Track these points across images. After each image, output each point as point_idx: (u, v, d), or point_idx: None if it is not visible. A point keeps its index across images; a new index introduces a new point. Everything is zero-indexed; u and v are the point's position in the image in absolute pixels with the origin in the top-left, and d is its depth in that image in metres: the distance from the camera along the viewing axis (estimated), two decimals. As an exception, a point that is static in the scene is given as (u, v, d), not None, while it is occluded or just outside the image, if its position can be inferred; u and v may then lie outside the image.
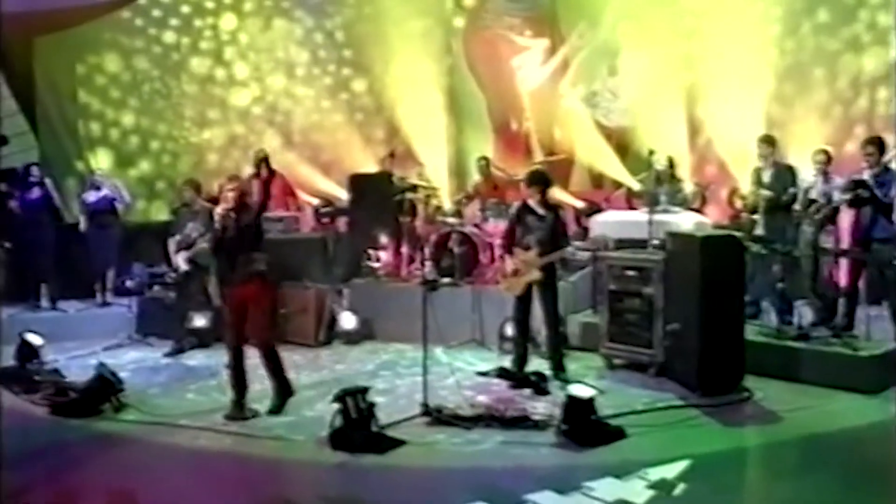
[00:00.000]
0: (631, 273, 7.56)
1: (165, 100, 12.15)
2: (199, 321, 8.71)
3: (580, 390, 6.03)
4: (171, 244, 8.52)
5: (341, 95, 12.64)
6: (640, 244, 7.92)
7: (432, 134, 11.48)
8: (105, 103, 11.88)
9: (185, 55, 12.25)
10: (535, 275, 7.13)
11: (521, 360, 7.38)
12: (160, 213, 11.67)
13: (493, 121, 12.19)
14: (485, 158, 10.32)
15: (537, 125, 11.66)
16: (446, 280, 7.46)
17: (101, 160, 11.55)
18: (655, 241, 7.66)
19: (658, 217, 8.09)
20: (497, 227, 8.82)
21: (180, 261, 8.37)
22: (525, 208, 7.25)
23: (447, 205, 10.40)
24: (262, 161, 9.60)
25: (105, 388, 6.65)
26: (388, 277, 9.33)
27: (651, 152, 8.45)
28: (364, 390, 5.93)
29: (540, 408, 6.49)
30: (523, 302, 7.28)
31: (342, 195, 10.96)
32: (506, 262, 7.25)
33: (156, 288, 9.23)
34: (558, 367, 7.25)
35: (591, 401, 5.95)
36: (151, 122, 12.09)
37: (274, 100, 12.49)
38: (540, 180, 7.27)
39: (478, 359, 7.77)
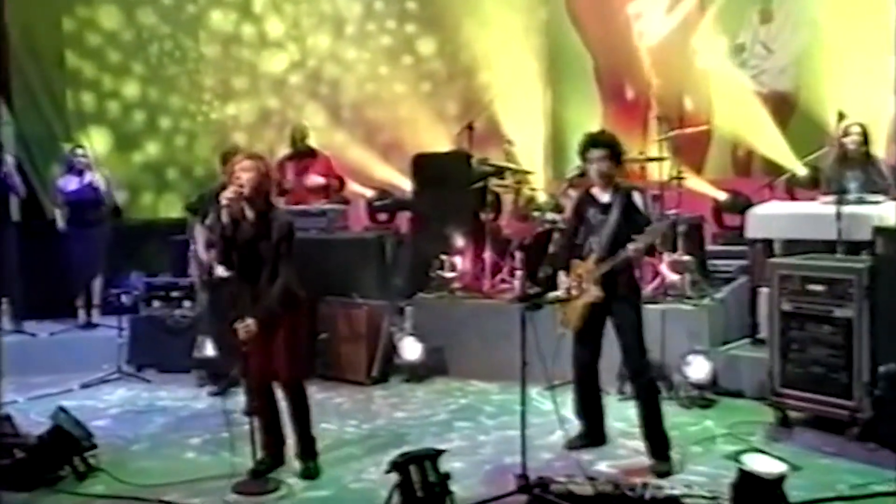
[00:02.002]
0: (816, 288, 6.42)
1: (179, 65, 11.94)
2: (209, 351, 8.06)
3: (762, 464, 5.02)
4: (199, 233, 7.66)
5: (403, 59, 12.33)
6: (823, 247, 6.95)
7: (523, 105, 10.91)
8: (101, 69, 11.59)
9: (204, 8, 12.10)
10: (592, 292, 5.80)
11: (589, 428, 6.30)
12: (171, 210, 11.40)
13: (602, 87, 11.56)
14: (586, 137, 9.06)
15: (661, 91, 10.72)
16: (554, 295, 6.08)
17: (96, 141, 11.22)
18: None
19: (849, 209, 6.93)
20: None
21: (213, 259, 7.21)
22: (586, 198, 6.01)
23: (541, 196, 9.53)
24: (302, 139, 9.26)
25: (64, 445, 5.77)
26: (466, 292, 8.60)
27: (841, 116, 7.57)
28: (435, 455, 5.14)
29: (694, 484, 5.44)
30: (587, 340, 6.03)
31: (404, 185, 10.63)
32: (559, 280, 6.04)
33: (155, 304, 8.69)
34: (656, 441, 5.87)
35: (779, 481, 4.90)
36: (161, 94, 11.87)
37: (317, 65, 12.28)
38: (605, 146, 5.90)
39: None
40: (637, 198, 5.92)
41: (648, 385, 5.91)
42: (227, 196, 5.36)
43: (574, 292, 5.92)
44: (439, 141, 11.10)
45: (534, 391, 6.92)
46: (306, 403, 5.84)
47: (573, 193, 8.32)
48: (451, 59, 12.05)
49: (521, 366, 5.54)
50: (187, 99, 12.02)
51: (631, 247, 5.64)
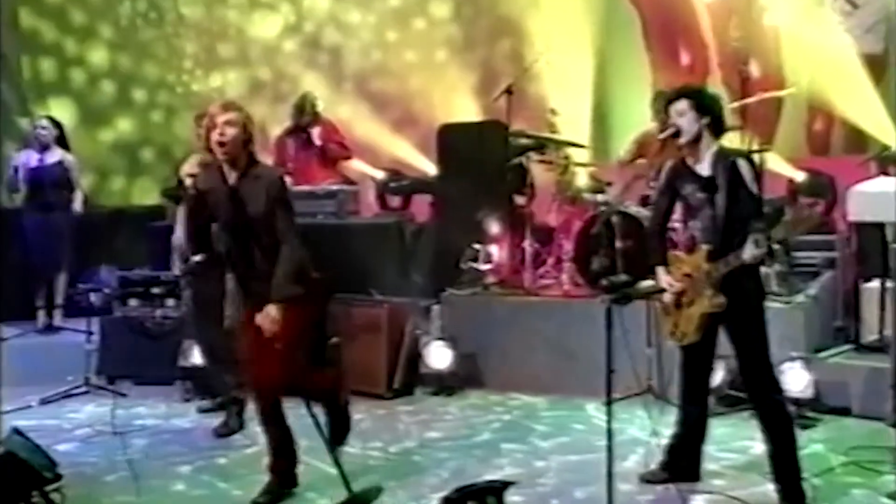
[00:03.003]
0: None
1: (156, 28, 11.80)
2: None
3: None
4: (181, 219, 7.20)
5: (415, 23, 12.13)
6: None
7: (564, 73, 10.34)
8: (63, 31, 11.29)
9: (184, -40, 11.99)
10: (714, 300, 4.99)
11: (682, 460, 5.55)
12: (146, 196, 11.35)
13: (651, 51, 11.11)
14: (661, 93, 8.52)
15: (722, 54, 10.44)
16: (650, 284, 5.41)
17: (58, 115, 10.51)
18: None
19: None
20: None
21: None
22: (681, 170, 5.22)
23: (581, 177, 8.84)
24: (312, 110, 8.95)
25: (19, 476, 5.15)
26: (503, 287, 8.22)
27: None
28: (500, 488, 4.62)
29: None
30: (698, 354, 5.28)
31: (419, 163, 10.63)
32: (659, 277, 5.29)
33: (132, 302, 8.26)
34: (789, 480, 5.03)
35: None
36: (134, 62, 11.71)
37: (315, 30, 12.15)
38: (690, 96, 5.16)
39: (661, 423, 6.24)
40: (744, 168, 5.05)
41: (778, 409, 5.07)
42: (200, 161, 5.13)
43: (685, 297, 5.12)
44: (455, 117, 10.84)
45: (589, 406, 6.92)
46: (282, 417, 5.31)
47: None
48: (469, 24, 11.85)
49: (607, 374, 4.97)
50: (164, 68, 11.87)
51: (751, 250, 4.77)
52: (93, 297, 8.24)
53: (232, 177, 4.95)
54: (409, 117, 11.49)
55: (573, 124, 9.49)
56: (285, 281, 4.87)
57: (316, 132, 8.96)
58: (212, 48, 11.98)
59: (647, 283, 5.36)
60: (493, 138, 8.60)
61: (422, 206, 10.02)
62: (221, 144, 4.87)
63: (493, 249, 8.26)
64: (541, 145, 8.45)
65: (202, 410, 7.21)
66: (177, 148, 11.47)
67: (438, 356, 7.80)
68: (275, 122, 10.06)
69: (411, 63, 11.88)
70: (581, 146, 8.55)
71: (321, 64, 11.96)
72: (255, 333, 4.98)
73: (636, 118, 9.84)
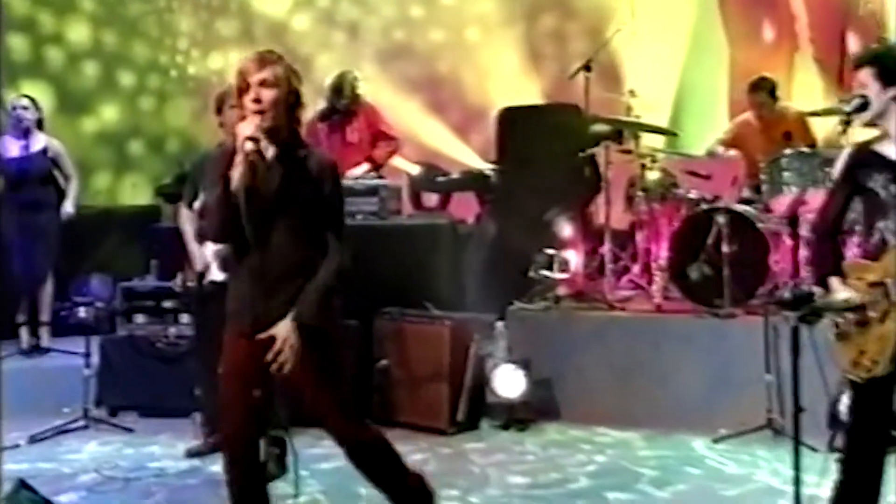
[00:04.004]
0: None
1: (146, 2, 11.54)
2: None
3: None
4: (187, 221, 6.89)
5: None
6: None
7: (647, 47, 9.98)
8: (38, 4, 10.95)
9: (179, -79, 11.78)
10: None
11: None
12: (138, 195, 11.09)
13: (729, 25, 10.73)
14: (766, 80, 8.41)
15: (816, 30, 10.13)
16: (846, 297, 4.74)
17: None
18: None
19: None
20: (806, 201, 7.20)
21: (210, 256, 6.57)
22: (866, 156, 4.60)
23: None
24: (351, 93, 8.53)
25: None
26: (579, 300, 7.85)
27: None
28: None
29: None
30: (877, 393, 4.59)
31: (455, 154, 10.54)
32: (834, 290, 4.65)
33: (138, 319, 7.94)
34: None
35: None
36: (121, 40, 11.38)
37: (330, 5, 11.89)
38: (874, 62, 4.56)
39: (784, 462, 5.90)
40: None
41: None
42: (246, 133, 4.12)
43: (874, 312, 4.46)
44: (490, 105, 10.60)
45: (696, 444, 6.62)
46: (394, 454, 4.58)
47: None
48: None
49: (795, 412, 4.41)
50: (156, 47, 11.64)
51: None
52: (83, 313, 7.90)
53: (269, 153, 4.25)
54: (437, 103, 11.27)
55: (653, 108, 9.15)
56: (317, 297, 4.20)
57: (357, 120, 8.58)
58: (210, 25, 11.76)
59: (841, 296, 4.61)
60: (567, 124, 8.28)
61: (463, 206, 9.71)
62: (258, 112, 4.16)
63: (571, 256, 7.89)
64: (618, 133, 8.06)
65: (192, 454, 6.72)
66: (171, 139, 11.36)
67: (509, 383, 7.36)
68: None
69: (439, 43, 11.66)
70: (674, 134, 8.26)
71: (336, 44, 11.70)
72: (249, 358, 4.25)
73: (711, 102, 9.82)
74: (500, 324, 7.62)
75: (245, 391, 4.22)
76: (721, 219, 7.14)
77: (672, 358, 6.92)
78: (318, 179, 4.21)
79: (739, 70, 10.17)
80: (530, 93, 10.67)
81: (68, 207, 8.56)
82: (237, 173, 4.09)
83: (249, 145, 4.03)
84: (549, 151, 8.29)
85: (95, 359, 7.74)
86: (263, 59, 4.22)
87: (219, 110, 6.60)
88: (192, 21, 11.68)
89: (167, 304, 7.90)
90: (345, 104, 8.41)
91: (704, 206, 7.39)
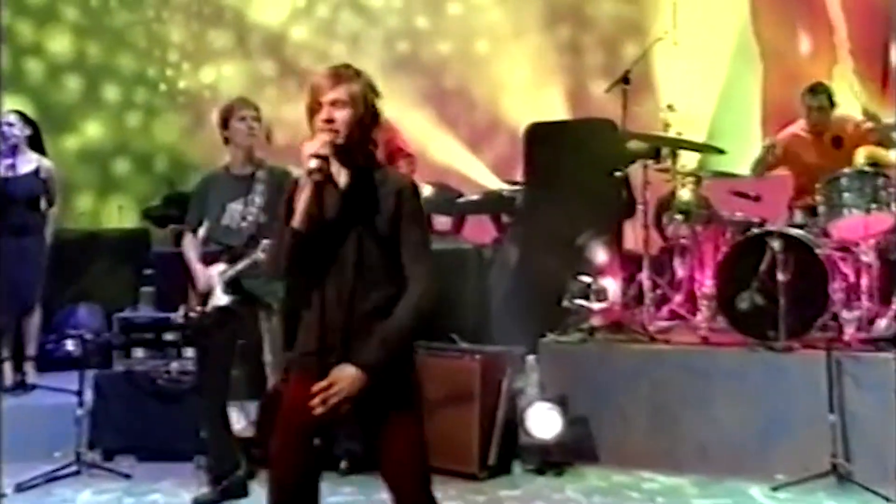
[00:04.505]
0: None
1: (132, 11, 11.71)
2: (242, 420, 7.15)
3: None
4: (190, 247, 6.73)
5: (449, 8, 11.90)
6: None
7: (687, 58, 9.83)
8: (17, 13, 11.05)
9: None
10: None
11: None
12: (124, 218, 11.10)
13: (761, 37, 10.61)
14: (823, 86, 8.28)
15: (857, 41, 9.98)
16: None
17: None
18: None
19: None
20: (869, 224, 6.98)
21: (216, 282, 6.50)
22: None
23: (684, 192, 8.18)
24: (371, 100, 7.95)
25: None
26: (617, 332, 7.58)
27: None
28: None
29: None
30: None
31: (474, 174, 10.57)
32: None
33: (137, 353, 7.80)
34: None
35: None
36: (106, 52, 11.57)
37: (330, 15, 11.93)
38: None
39: None
40: None
41: None
42: (311, 150, 3.91)
43: None
44: (501, 120, 10.95)
45: (754, 491, 6.39)
46: None
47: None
48: (516, 9, 11.49)
49: None
50: (144, 59, 11.74)
51: None
52: (71, 346, 8.10)
53: (342, 176, 4.01)
54: (444, 119, 11.26)
55: (689, 125, 8.84)
56: (392, 341, 3.92)
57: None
58: (202, 36, 11.82)
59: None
60: (602, 141, 8.12)
61: (477, 229, 9.63)
62: (334, 132, 3.93)
63: (610, 283, 7.69)
64: (656, 151, 7.84)
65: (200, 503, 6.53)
66: (159, 158, 11.44)
67: (543, 422, 7.09)
68: (280, 127, 9.44)
69: (445, 55, 11.61)
70: (721, 151, 7.99)
71: (337, 56, 11.40)
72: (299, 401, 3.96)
73: (742, 119, 9.88)
74: (531, 357, 7.38)
75: (303, 439, 3.99)
76: (776, 244, 6.91)
77: (722, 395, 6.69)
78: (396, 205, 3.98)
79: (772, 85, 10.14)
80: (543, 108, 10.62)
81: (48, 232, 8.47)
82: (303, 199, 3.89)
83: (314, 163, 3.81)
84: (582, 170, 8.20)
85: (88, 397, 7.51)
86: (338, 76, 4.03)
87: (224, 124, 6.40)
88: (183, 31, 11.70)
89: (168, 336, 7.74)
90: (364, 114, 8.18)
91: (756, 230, 7.19)
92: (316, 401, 3.74)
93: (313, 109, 3.95)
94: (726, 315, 7.05)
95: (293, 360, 4.12)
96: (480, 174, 10.60)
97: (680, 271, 7.72)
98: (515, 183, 9.13)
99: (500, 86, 11.27)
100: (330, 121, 3.88)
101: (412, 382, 4.02)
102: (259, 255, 6.10)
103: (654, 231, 8.06)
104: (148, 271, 9.28)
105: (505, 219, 9.20)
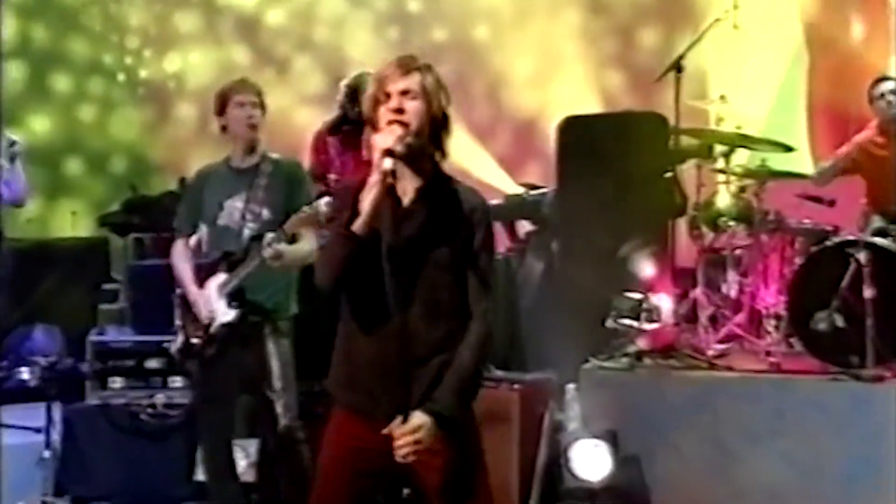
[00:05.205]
0: None
1: None
2: (241, 461, 6.74)
3: None
4: (180, 256, 6.37)
5: None
6: None
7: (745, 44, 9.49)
8: None
9: None
10: None
11: None
12: (79, 226, 11.06)
13: (809, 26, 10.34)
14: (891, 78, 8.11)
15: None
16: None
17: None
18: None
19: None
20: None
21: (212, 296, 6.13)
22: None
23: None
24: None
25: None
26: (668, 356, 7.16)
27: None
28: None
29: None
30: None
31: (474, 173, 10.09)
32: None
33: (114, 383, 7.40)
34: None
35: None
36: (55, 36, 11.56)
37: (305, 5, 11.85)
38: None
39: None
40: None
41: None
42: (384, 145, 3.82)
43: None
44: (503, 114, 10.97)
45: None
46: None
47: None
48: None
49: None
50: (99, 45, 11.66)
51: None
52: (27, 374, 7.92)
53: (408, 190, 3.89)
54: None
55: (745, 120, 8.43)
56: (462, 384, 3.89)
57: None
58: (167, 19, 11.73)
59: None
60: (649, 139, 7.73)
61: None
62: (405, 126, 3.82)
63: (665, 300, 7.30)
64: (709, 149, 7.62)
65: None
66: (117, 157, 11.33)
67: (590, 462, 6.63)
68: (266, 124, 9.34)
69: (441, 43, 11.38)
70: (790, 149, 7.71)
71: (318, 44, 11.58)
72: (368, 447, 3.93)
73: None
74: (571, 387, 6.95)
75: (354, 485, 4.02)
76: (861, 255, 6.59)
77: (797, 431, 6.30)
78: (468, 227, 3.91)
79: (820, 78, 10.01)
80: (550, 102, 10.58)
81: None
82: (368, 201, 3.74)
83: (388, 163, 3.64)
84: (626, 171, 7.75)
85: (56, 435, 7.15)
86: (410, 64, 3.94)
87: (221, 110, 6.06)
88: (145, 14, 11.62)
89: (152, 363, 7.35)
90: (360, 113, 7.90)
91: (835, 239, 6.88)
92: (402, 447, 3.68)
93: (378, 100, 3.87)
94: (801, 338, 6.76)
95: (341, 396, 4.02)
96: (486, 174, 10.43)
97: (734, 287, 7.37)
98: (534, 186, 8.96)
99: (502, 77, 11.15)
100: (400, 110, 3.78)
101: (471, 426, 4.00)
102: (266, 252, 5.70)
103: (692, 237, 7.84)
104: (109, 286, 9.07)
105: (526, 227, 8.95)
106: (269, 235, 5.75)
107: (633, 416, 6.93)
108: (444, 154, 3.96)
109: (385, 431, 3.73)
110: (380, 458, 3.87)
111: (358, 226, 3.74)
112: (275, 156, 6.23)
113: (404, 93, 3.84)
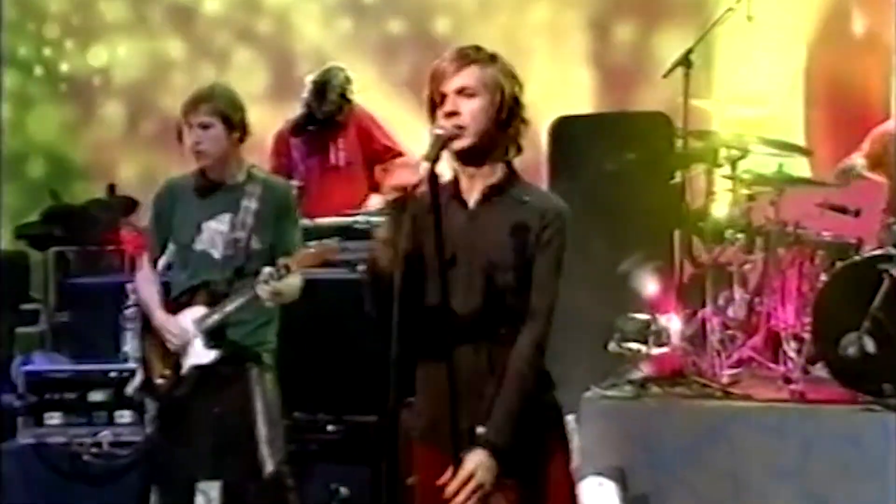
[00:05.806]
0: None
1: None
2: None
3: None
4: (146, 279, 6.22)
5: None
6: None
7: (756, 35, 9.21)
8: None
9: None
10: None
11: None
12: None
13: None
14: None
15: None
16: None
17: None
18: None
19: None
20: None
21: (187, 330, 5.94)
22: None
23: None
24: (340, 98, 8.12)
25: None
26: (675, 383, 7.07)
27: None
28: None
29: None
30: None
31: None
32: None
33: (52, 418, 7.20)
34: None
35: None
36: None
37: None
38: None
39: None
40: None
41: None
42: (441, 131, 3.80)
43: None
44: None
45: None
46: None
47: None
48: None
49: None
50: (14, 35, 11.37)
51: None
52: None
53: (473, 193, 3.87)
54: (396, 117, 10.41)
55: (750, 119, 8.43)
56: (522, 402, 3.82)
57: (345, 136, 8.05)
58: (91, 6, 11.49)
59: None
60: (653, 141, 7.73)
61: None
62: (459, 127, 3.77)
63: (674, 320, 7.19)
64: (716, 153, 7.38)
65: None
66: (34, 160, 11.25)
67: (596, 500, 6.56)
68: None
69: (396, 36, 11.03)
70: (807, 153, 7.57)
71: (262, 36, 11.24)
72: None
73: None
74: (570, 418, 6.31)
75: None
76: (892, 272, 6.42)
77: (825, 467, 6.15)
78: (539, 236, 3.86)
79: (818, 74, 9.80)
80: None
81: None
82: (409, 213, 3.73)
83: (425, 167, 3.61)
84: (627, 177, 7.73)
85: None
86: (466, 58, 3.88)
87: (179, 135, 5.93)
88: (66, 1, 11.44)
89: (96, 396, 6.98)
90: (328, 112, 7.81)
91: (864, 254, 6.72)
92: (458, 497, 3.63)
93: (434, 102, 3.82)
94: (828, 363, 6.56)
95: (418, 428, 3.98)
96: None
97: (742, 306, 7.25)
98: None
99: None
100: (454, 113, 3.72)
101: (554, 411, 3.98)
102: (263, 291, 5.44)
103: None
104: (28, 306, 8.96)
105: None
106: (267, 271, 5.52)
107: (641, 449, 6.80)
108: (518, 149, 3.87)
109: (441, 481, 3.63)
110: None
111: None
112: (262, 174, 5.96)
113: (460, 91, 3.77)
